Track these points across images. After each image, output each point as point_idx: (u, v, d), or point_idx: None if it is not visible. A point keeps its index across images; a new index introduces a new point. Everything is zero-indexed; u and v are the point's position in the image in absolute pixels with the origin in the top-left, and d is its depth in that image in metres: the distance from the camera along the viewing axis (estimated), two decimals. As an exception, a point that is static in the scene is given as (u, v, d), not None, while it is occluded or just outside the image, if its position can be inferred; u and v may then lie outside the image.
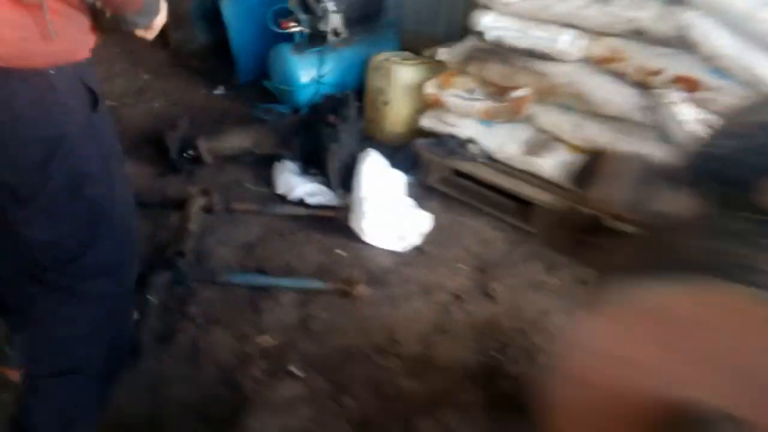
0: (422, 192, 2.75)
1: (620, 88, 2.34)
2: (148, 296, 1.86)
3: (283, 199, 2.59)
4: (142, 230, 2.24)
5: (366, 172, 2.46)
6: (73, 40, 1.22)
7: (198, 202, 2.34)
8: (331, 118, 2.51)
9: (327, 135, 2.53)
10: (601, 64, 2.37)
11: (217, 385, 1.73)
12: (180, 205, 2.40)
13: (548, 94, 2.51)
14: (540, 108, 2.57)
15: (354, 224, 2.40)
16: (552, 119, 2.55)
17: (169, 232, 2.32)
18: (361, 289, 2.08)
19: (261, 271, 2.18)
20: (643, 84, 2.29)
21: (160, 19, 1.37)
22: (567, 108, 2.53)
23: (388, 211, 2.39)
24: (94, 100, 1.28)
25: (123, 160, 1.48)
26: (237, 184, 2.68)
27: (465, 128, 2.75)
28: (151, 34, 1.39)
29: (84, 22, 1.23)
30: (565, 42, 2.37)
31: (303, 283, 2.10)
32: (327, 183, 2.61)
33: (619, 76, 2.35)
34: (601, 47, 2.35)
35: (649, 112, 2.29)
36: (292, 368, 1.81)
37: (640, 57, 2.27)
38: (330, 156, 2.51)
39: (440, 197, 2.71)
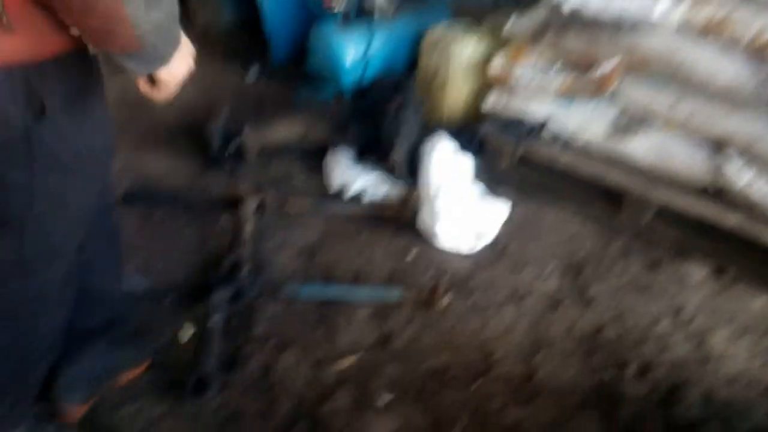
0: (492, 182, 2.46)
1: (729, 60, 2.03)
2: (210, 318, 1.61)
3: (339, 194, 2.32)
4: (191, 237, 1.99)
5: (435, 162, 2.18)
6: (37, 38, 0.93)
7: (252, 203, 2.08)
8: (395, 103, 2.22)
9: (389, 122, 2.24)
10: (705, 32, 2.06)
11: (296, 421, 1.48)
12: (229, 205, 2.15)
13: (639, 67, 2.20)
14: (629, 83, 2.26)
15: (424, 224, 2.13)
16: (644, 95, 2.25)
17: (219, 239, 2.06)
18: (444, 300, 1.82)
19: (328, 281, 1.92)
20: (757, 54, 1.98)
21: (177, 70, 1.03)
22: (662, 82, 2.23)
23: (462, 207, 2.11)
24: (41, 106, 0.98)
25: (93, 173, 1.18)
26: (287, 179, 2.41)
27: (539, 108, 2.45)
28: (160, 93, 1.08)
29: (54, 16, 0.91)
30: (662, 10, 2.06)
31: (378, 295, 1.83)
32: (387, 174, 2.33)
33: (728, 45, 2.03)
34: (706, 12, 2.03)
35: (764, 86, 1.98)
36: (380, 398, 1.55)
37: (754, 23, 1.95)
38: (396, 145, 2.22)
39: (512, 187, 2.42)
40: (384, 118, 2.26)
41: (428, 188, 2.14)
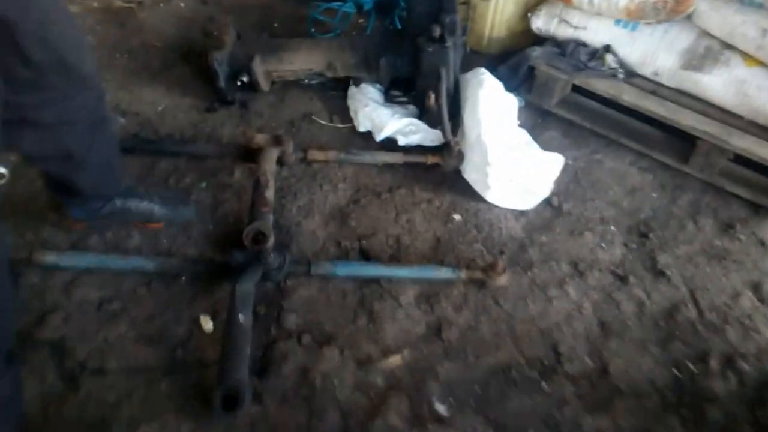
0: (538, 119, 2.15)
1: None
2: (236, 310, 1.37)
3: (367, 138, 2.01)
4: (202, 198, 1.71)
5: (482, 101, 1.86)
6: None
7: (272, 155, 1.77)
8: (436, 31, 1.85)
9: (430, 53, 1.88)
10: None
11: (345, 438, 1.29)
12: (243, 155, 1.84)
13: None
14: (710, 4, 1.90)
15: (471, 177, 1.85)
16: (726, 20, 1.89)
17: (235, 199, 1.77)
18: (502, 277, 1.58)
19: (365, 254, 1.66)
20: None
21: None
22: (750, 4, 1.86)
23: (513, 156, 1.82)
24: None
25: None
26: (306, 119, 2.07)
27: (598, 32, 2.09)
28: None
29: None
30: None
31: (428, 273, 1.59)
32: (423, 115, 2.01)
33: None
34: None
35: None
36: (438, 405, 1.35)
37: None
38: (438, 82, 1.88)
39: (563, 127, 2.12)
40: (423, 49, 1.89)
41: (473, 133, 1.84)
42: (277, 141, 1.81)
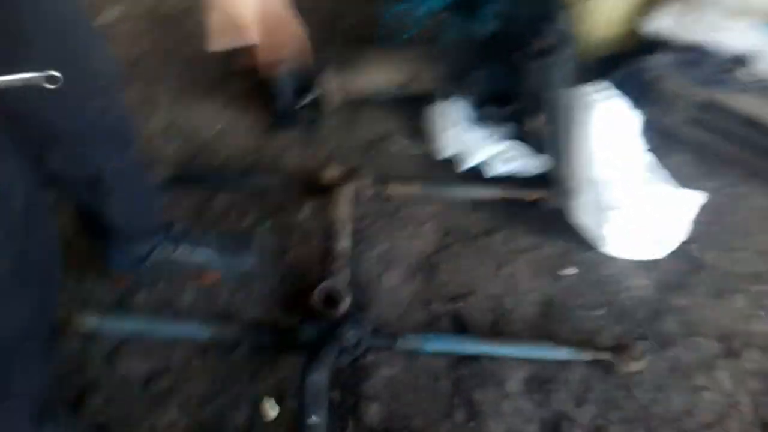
0: (660, 141, 1.78)
1: None
2: (308, 409, 1.10)
3: (446, 166, 1.69)
4: (264, 242, 1.45)
5: (599, 125, 1.51)
6: None
7: (346, 195, 1.48)
8: (540, 43, 1.51)
9: (533, 69, 1.55)
10: None
11: None
12: (313, 189, 1.57)
13: None
14: None
15: (583, 220, 1.51)
16: None
17: (304, 244, 1.50)
18: (637, 361, 1.25)
19: (459, 322, 1.36)
20: None
21: None
22: None
23: (640, 199, 1.47)
24: None
25: None
26: (383, 143, 1.78)
27: (735, 36, 1.70)
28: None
29: None
30: None
31: (542, 352, 1.27)
32: (523, 141, 1.68)
33: None
34: None
35: None
36: None
37: None
38: (542, 104, 1.55)
39: (692, 151, 1.74)
40: (524, 60, 1.56)
41: (588, 165, 1.50)
42: (352, 175, 1.52)
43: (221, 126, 1.80)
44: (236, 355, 1.29)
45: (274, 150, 1.74)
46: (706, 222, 1.55)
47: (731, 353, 1.32)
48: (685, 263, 1.49)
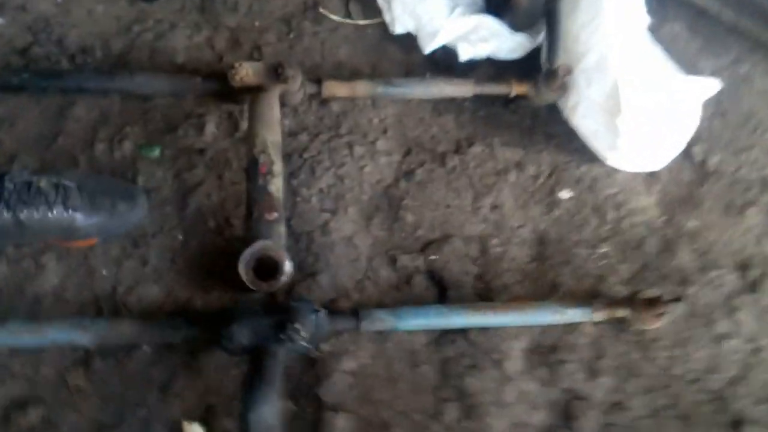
0: (651, 4, 1.41)
1: None
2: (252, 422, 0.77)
3: (408, 48, 1.26)
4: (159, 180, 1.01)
5: (613, 4, 1.13)
6: None
7: (270, 106, 1.03)
8: None
9: None
10: None
11: None
12: (218, 92, 1.10)
13: None
14: None
15: (585, 125, 1.18)
16: None
17: (214, 179, 1.07)
18: (658, 318, 1.01)
19: (436, 279, 1.04)
20: None
21: None
22: None
23: (653, 94, 1.14)
24: None
25: None
26: (310, 14, 1.28)
27: None
28: None
29: None
30: None
31: (545, 317, 0.99)
32: (503, 18, 1.25)
33: None
34: None
35: None
36: None
37: None
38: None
39: (689, 18, 1.40)
40: None
41: (592, 55, 1.14)
42: (276, 74, 1.06)
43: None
44: (135, 359, 0.91)
45: (154, 30, 1.21)
46: (707, 116, 1.25)
47: (751, 287, 1.11)
48: (690, 171, 1.22)
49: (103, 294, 0.95)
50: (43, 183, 0.92)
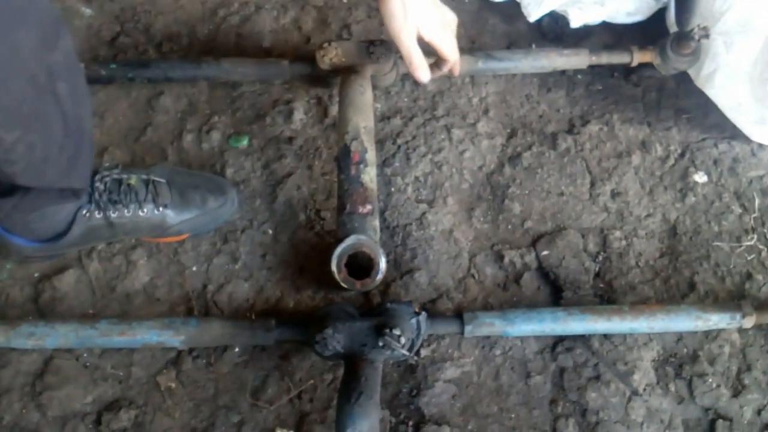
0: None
1: None
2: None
3: (510, 17, 1.13)
4: (248, 171, 0.96)
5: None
6: None
7: (363, 91, 0.95)
8: None
9: None
10: None
11: None
12: (306, 75, 1.04)
13: None
14: None
15: (724, 95, 1.00)
16: None
17: (305, 168, 1.00)
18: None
19: (548, 277, 0.92)
20: None
21: None
22: None
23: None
24: None
25: None
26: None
27: None
28: None
29: None
30: None
31: (683, 323, 0.85)
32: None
33: None
34: None
35: None
36: None
37: None
38: None
39: None
40: None
41: (733, 12, 0.96)
42: (368, 52, 0.97)
43: None
44: (225, 361, 0.87)
45: (240, 14, 1.15)
46: None
47: None
48: None
49: (193, 292, 0.91)
50: (134, 180, 0.88)
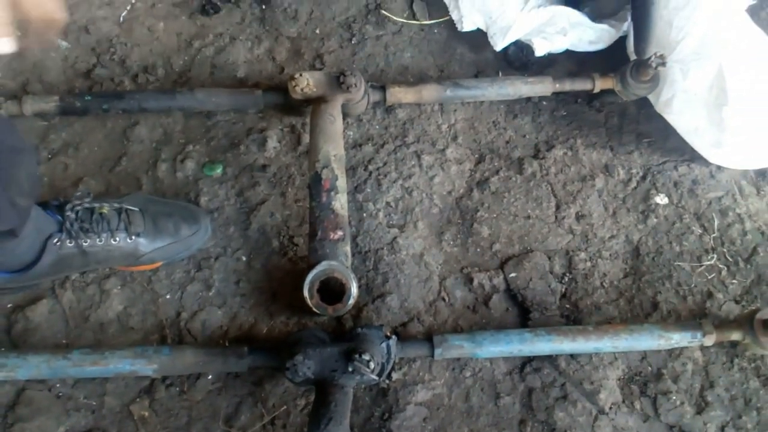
0: None
1: None
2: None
3: (477, 46, 1.17)
4: (222, 199, 0.97)
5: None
6: None
7: (333, 117, 0.97)
8: None
9: None
10: None
11: None
12: (279, 104, 1.05)
13: None
14: None
15: (682, 120, 1.04)
16: None
17: (278, 195, 1.02)
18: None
19: (516, 298, 0.94)
20: None
21: None
22: None
23: (759, 80, 1.00)
24: None
25: None
26: (371, 16, 1.21)
27: None
28: None
29: None
30: None
31: (645, 342, 0.88)
32: (584, 5, 1.14)
33: None
34: None
35: None
36: None
37: None
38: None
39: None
40: None
41: (691, 39, 1.00)
42: (339, 83, 1.00)
43: (130, 7, 1.20)
44: (199, 391, 0.87)
45: (215, 44, 1.18)
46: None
47: None
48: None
49: (167, 320, 0.92)
50: (106, 209, 0.89)
